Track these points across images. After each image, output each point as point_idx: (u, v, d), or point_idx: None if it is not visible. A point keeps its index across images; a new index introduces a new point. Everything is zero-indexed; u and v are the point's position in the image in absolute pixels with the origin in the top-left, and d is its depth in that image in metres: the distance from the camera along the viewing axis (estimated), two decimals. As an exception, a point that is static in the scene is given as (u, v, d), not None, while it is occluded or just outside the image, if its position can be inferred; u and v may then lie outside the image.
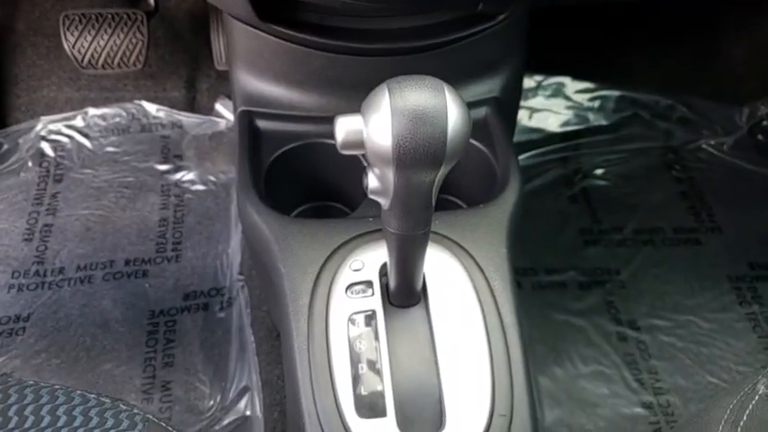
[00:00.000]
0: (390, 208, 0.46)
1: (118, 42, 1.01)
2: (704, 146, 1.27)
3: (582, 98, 1.30)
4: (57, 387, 0.41)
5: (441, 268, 0.58)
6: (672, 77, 1.30)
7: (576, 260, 1.08)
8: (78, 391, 0.41)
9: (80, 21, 1.01)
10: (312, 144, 0.73)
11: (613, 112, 1.29)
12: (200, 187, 1.12)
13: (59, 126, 1.17)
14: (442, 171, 0.43)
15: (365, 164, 0.73)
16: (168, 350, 0.91)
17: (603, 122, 1.28)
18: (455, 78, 0.74)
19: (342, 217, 0.78)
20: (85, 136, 1.17)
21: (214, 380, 0.88)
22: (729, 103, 1.30)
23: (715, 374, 0.94)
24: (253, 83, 0.74)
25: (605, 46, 1.28)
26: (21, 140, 1.15)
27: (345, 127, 0.43)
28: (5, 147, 1.14)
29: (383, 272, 0.57)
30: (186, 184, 1.12)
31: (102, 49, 1.02)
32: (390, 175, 0.43)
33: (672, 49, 1.30)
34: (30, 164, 1.13)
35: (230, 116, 1.20)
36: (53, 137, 1.16)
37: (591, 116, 1.29)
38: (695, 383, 0.93)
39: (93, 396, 0.41)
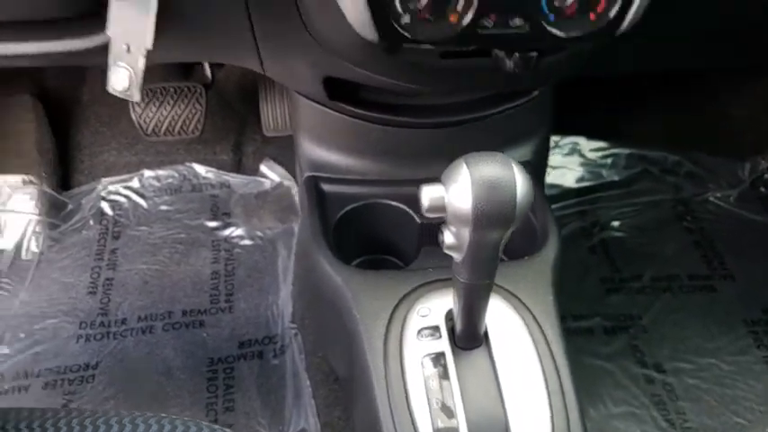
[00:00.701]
0: (463, 261, 0.55)
1: (179, 113, 1.13)
2: (711, 198, 1.37)
3: (595, 156, 1.41)
4: (175, 417, 0.48)
5: (498, 313, 0.66)
6: (678, 136, 1.41)
7: (600, 307, 1.16)
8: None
9: (146, 94, 1.13)
10: (371, 204, 0.82)
11: (625, 168, 1.40)
12: (248, 242, 1.21)
13: (118, 187, 1.27)
14: (510, 230, 0.52)
15: (418, 221, 0.82)
16: (228, 395, 0.97)
17: (616, 178, 1.39)
18: (493, 146, 0.85)
19: (394, 268, 0.86)
20: (141, 196, 1.27)
21: (272, 423, 0.94)
22: (732, 159, 1.41)
23: (740, 414, 1.00)
24: (316, 151, 0.84)
25: (616, 109, 1.40)
26: (83, 201, 1.25)
27: (430, 194, 0.52)
28: (70, 207, 1.24)
29: (449, 317, 0.65)
30: (235, 240, 1.21)
31: (165, 119, 1.13)
32: (467, 233, 0.52)
33: (678, 110, 1.41)
34: (91, 222, 1.23)
35: (274, 176, 1.30)
36: (112, 197, 1.26)
37: (604, 172, 1.39)
38: (722, 423, 0.99)
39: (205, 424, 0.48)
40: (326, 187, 0.83)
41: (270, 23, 0.67)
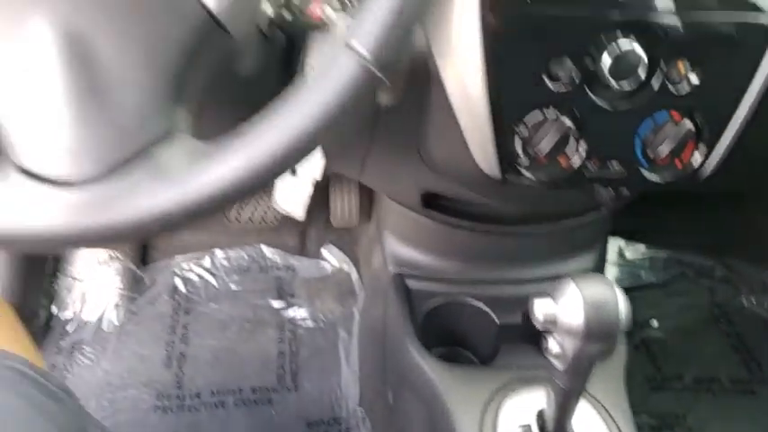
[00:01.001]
0: (566, 369, 0.62)
1: (262, 204, 1.23)
2: (745, 303, 1.45)
3: (635, 257, 1.50)
4: None
5: (580, 411, 0.73)
6: (712, 241, 1.50)
7: (646, 405, 1.21)
8: None
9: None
10: (453, 302, 0.90)
11: (662, 270, 1.49)
12: (310, 324, 1.28)
13: (191, 265, 1.36)
14: (613, 344, 0.60)
15: (497, 321, 0.90)
16: (299, 474, 1.02)
17: (654, 280, 1.47)
18: (562, 253, 0.94)
19: (469, 362, 0.94)
20: (212, 274, 1.36)
21: (342, 504, 0.98)
22: (764, 265, 1.50)
23: None
24: (403, 249, 0.94)
25: (654, 213, 1.50)
26: (158, 276, 1.34)
27: (543, 309, 0.61)
28: (146, 281, 1.33)
29: (539, 415, 0.72)
30: (299, 321, 1.29)
31: (248, 208, 1.23)
32: (574, 346, 0.60)
33: (712, 220, 1.52)
34: (165, 297, 1.31)
35: (335, 261, 1.40)
36: (185, 274, 1.35)
37: (643, 273, 1.48)
38: None
39: None
40: (411, 283, 0.92)
41: (387, 148, 0.78)
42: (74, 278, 1.27)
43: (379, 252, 1.02)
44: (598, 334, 0.59)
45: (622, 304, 0.59)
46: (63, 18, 0.33)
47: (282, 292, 1.34)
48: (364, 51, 0.35)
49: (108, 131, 0.34)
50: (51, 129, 0.34)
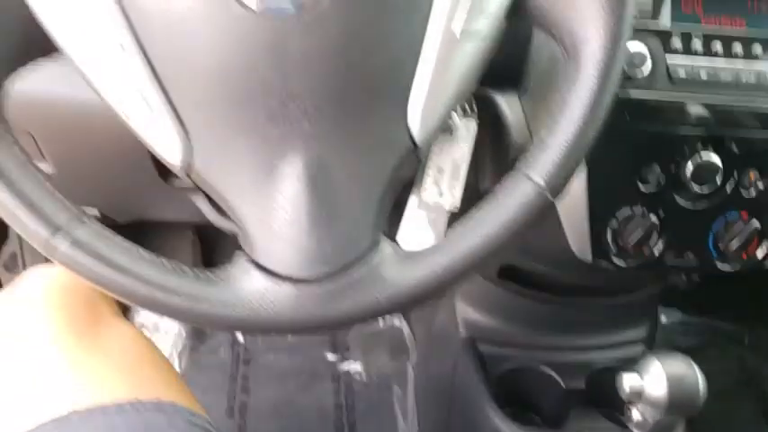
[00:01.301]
0: (646, 437, 0.69)
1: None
2: (773, 370, 1.51)
3: (669, 322, 1.57)
4: None
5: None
6: (741, 311, 1.58)
7: (685, 468, 1.26)
8: None
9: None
10: (522, 366, 0.97)
11: (695, 335, 1.56)
12: (364, 378, 1.34)
13: (250, 316, 1.42)
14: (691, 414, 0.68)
15: (562, 385, 0.96)
16: None
17: (687, 344, 1.54)
18: (619, 324, 1.02)
19: (535, 425, 1.00)
20: (269, 326, 1.42)
21: None
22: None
23: None
24: (474, 315, 1.01)
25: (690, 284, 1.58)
26: (219, 326, 1.40)
27: (629, 383, 0.69)
28: (208, 330, 1.39)
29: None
30: (354, 375, 1.35)
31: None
32: (656, 415, 0.68)
33: (743, 289, 1.60)
34: (225, 346, 1.37)
35: (387, 316, 1.47)
36: (244, 325, 1.41)
37: (676, 338, 1.55)
38: None
39: None
40: (482, 347, 0.99)
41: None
42: (141, 326, 1.34)
43: (445, 314, 1.10)
44: (679, 406, 0.66)
45: (701, 380, 0.67)
46: (312, 150, 0.42)
47: (337, 345, 1.40)
48: (541, 181, 0.43)
49: (337, 242, 0.43)
50: (292, 237, 0.42)
